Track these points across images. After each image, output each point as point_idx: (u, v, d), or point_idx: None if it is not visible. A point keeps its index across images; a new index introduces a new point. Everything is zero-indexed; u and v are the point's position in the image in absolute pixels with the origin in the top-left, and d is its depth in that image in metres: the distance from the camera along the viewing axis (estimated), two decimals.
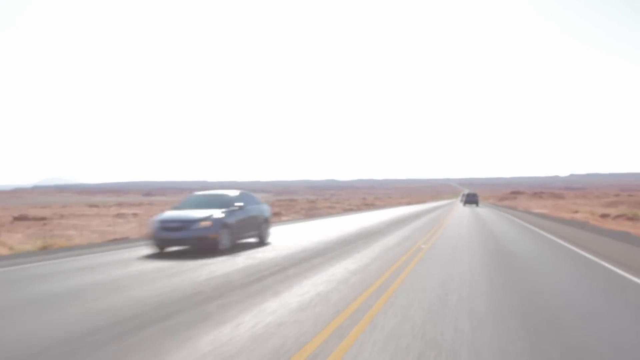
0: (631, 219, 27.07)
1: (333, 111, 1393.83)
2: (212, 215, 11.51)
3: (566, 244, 14.05)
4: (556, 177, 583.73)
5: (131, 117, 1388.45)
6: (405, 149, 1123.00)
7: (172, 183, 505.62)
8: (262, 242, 13.78)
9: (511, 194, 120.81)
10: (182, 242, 11.29)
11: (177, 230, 11.17)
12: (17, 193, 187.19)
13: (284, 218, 30.72)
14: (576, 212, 37.29)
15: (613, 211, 33.01)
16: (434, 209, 49.65)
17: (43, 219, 32.97)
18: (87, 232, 20.58)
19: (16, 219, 32.49)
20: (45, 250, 12.52)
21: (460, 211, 41.38)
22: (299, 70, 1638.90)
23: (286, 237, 15.77)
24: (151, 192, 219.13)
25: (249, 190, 15.42)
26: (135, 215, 37.50)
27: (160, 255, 10.90)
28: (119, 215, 37.11)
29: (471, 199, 61.74)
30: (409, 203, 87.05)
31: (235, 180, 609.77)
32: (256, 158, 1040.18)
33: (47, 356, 4.21)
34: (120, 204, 76.23)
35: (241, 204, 12.82)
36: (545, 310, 5.91)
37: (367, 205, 68.26)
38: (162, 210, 15.31)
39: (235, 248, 12.19)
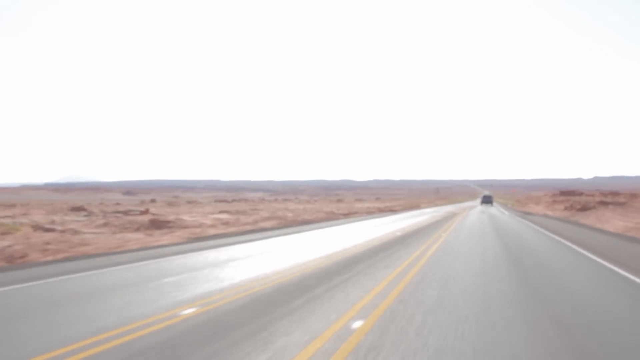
0: None
1: (352, 111, 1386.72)
2: None
3: None
4: (579, 179, 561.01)
5: (150, 118, 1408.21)
6: (424, 149, 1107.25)
7: (186, 182, 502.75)
8: None
9: (562, 195, 74.79)
10: None
11: None
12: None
13: None
14: None
15: None
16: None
17: None
18: None
19: None
20: None
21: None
22: (318, 68, 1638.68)
23: None
24: (131, 191, 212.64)
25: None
26: None
27: None
28: None
29: (487, 200, 73.74)
30: (351, 214, 39.13)
31: (249, 180, 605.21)
32: (273, 158, 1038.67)
33: None
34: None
35: None
36: None
37: (264, 221, 27.30)
38: None
39: None
